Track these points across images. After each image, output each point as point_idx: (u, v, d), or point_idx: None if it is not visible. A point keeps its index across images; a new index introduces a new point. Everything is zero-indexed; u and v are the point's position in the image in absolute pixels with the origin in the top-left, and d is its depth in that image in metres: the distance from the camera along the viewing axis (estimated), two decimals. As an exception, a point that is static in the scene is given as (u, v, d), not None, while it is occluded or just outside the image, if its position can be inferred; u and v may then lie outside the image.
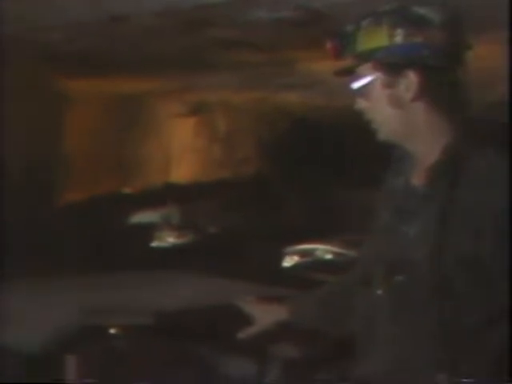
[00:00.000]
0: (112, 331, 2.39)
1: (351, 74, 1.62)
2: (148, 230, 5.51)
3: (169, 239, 5.49)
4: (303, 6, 3.12)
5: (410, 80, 1.55)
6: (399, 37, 1.55)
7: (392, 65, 1.56)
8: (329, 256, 4.89)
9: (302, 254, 4.97)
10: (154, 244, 5.39)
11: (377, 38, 1.56)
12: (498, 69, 4.66)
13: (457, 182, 1.53)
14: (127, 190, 6.76)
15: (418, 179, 1.64)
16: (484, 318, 1.48)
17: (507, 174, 1.50)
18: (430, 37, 1.54)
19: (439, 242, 1.50)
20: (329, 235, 5.31)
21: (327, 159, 7.61)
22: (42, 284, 2.88)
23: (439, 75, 1.56)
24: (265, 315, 1.94)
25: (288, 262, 4.95)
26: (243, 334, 1.98)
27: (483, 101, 5.59)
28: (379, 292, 1.61)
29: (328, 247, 5.00)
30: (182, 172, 7.66)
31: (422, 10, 1.56)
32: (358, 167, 6.81)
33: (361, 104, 1.63)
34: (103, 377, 2.27)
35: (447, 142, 1.58)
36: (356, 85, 1.61)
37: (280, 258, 5.05)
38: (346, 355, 1.80)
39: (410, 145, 1.62)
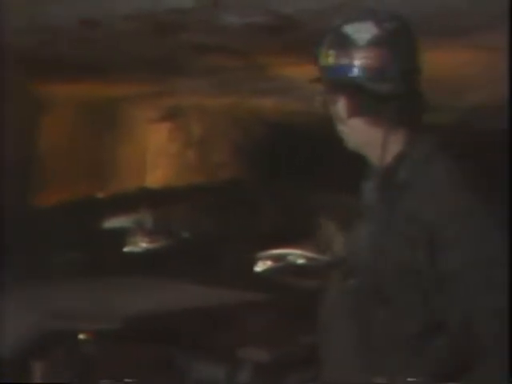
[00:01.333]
0: (81, 336, 2.38)
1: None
2: (121, 235, 5.48)
3: (142, 244, 5.46)
4: (275, 11, 3.14)
5: (342, 101, 1.60)
6: (331, 58, 1.60)
7: (330, 85, 1.61)
8: (301, 261, 4.91)
9: (275, 258, 4.98)
10: (127, 249, 5.36)
11: (321, 58, 1.63)
12: (463, 76, 4.74)
13: (401, 190, 1.56)
14: (101, 195, 6.73)
15: (374, 186, 1.67)
16: (420, 327, 1.50)
17: (446, 189, 1.52)
18: (356, 58, 1.57)
19: (383, 249, 1.53)
20: (302, 240, 5.32)
21: (302, 164, 7.64)
22: (10, 288, 2.86)
23: (372, 94, 1.57)
24: None
25: (260, 266, 4.95)
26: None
27: (452, 107, 5.66)
28: (336, 295, 1.64)
29: (301, 252, 5.01)
30: (157, 177, 7.64)
31: (350, 30, 1.57)
32: (332, 173, 6.85)
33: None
34: (71, 382, 2.26)
35: (398, 152, 1.61)
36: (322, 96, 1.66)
37: (253, 263, 5.06)
38: (315, 359, 1.82)
39: (367, 155, 1.66)
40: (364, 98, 1.58)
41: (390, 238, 1.54)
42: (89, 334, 2.34)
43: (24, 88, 5.44)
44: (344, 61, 1.59)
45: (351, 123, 1.63)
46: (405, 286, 1.51)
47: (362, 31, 1.58)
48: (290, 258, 5.16)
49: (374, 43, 1.57)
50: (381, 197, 1.61)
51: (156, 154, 7.68)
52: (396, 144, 1.62)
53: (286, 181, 7.32)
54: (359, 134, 1.64)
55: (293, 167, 7.63)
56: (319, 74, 1.67)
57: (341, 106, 1.62)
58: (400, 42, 1.59)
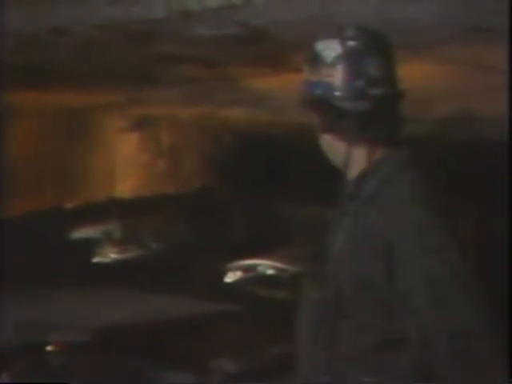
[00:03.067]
0: (49, 348, 2.36)
1: None
2: (90, 245, 5.44)
3: (111, 255, 5.43)
4: (245, 23, 3.16)
5: (314, 116, 1.64)
6: (306, 74, 1.63)
7: (304, 100, 1.64)
8: (270, 271, 4.93)
9: (245, 269, 5.00)
10: (96, 259, 5.32)
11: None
12: (432, 88, 4.81)
13: (368, 203, 1.58)
14: (69, 205, 6.67)
15: (342, 199, 1.69)
16: (381, 341, 1.52)
17: (407, 208, 1.53)
18: (323, 75, 1.60)
19: (346, 260, 1.55)
20: (272, 250, 5.34)
21: (271, 175, 7.66)
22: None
23: (339, 111, 1.59)
24: None
25: (231, 277, 4.96)
26: None
27: (421, 119, 5.73)
28: (309, 301, 1.66)
29: (270, 262, 5.03)
30: (126, 186, 7.60)
31: (320, 47, 1.60)
32: (301, 183, 6.88)
33: None
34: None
35: (362, 167, 1.63)
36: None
37: (223, 274, 5.06)
38: (283, 369, 1.82)
39: (345, 167, 1.68)
40: (330, 114, 1.62)
41: (352, 251, 1.56)
42: (57, 345, 2.31)
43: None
44: (314, 77, 1.62)
45: (324, 138, 1.67)
46: (365, 299, 1.53)
47: (329, 49, 1.61)
48: (260, 268, 5.19)
49: (339, 61, 1.59)
50: (346, 210, 1.63)
51: (126, 163, 7.64)
52: (361, 160, 1.65)
53: (256, 191, 7.34)
54: (330, 148, 1.67)
55: (263, 178, 7.65)
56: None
57: (315, 121, 1.66)
58: (365, 58, 1.60)
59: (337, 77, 1.57)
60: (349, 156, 1.61)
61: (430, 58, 3.84)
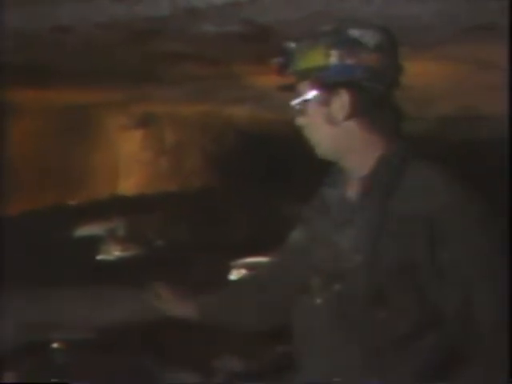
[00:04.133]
0: (53, 346, 2.36)
1: (292, 90, 1.70)
2: (93, 243, 5.44)
3: (114, 252, 5.43)
4: (250, 20, 3.15)
5: (343, 99, 1.64)
6: (334, 58, 1.63)
7: (327, 84, 1.64)
8: (275, 269, 4.91)
9: (249, 267, 4.99)
10: (100, 257, 5.32)
11: (314, 58, 1.64)
12: (433, 87, 4.80)
13: (388, 191, 1.59)
14: (72, 202, 6.67)
15: (351, 191, 1.70)
16: (415, 325, 1.53)
17: (438, 184, 1.57)
18: (363, 59, 1.63)
19: (372, 250, 1.56)
20: (275, 249, 5.33)
21: (274, 173, 7.66)
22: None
23: (371, 95, 1.64)
24: (174, 310, 2.01)
25: (235, 275, 4.96)
26: None
27: (423, 117, 5.73)
28: (318, 301, 1.65)
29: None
30: (129, 184, 7.60)
31: (356, 33, 1.63)
32: (304, 182, 6.86)
33: (299, 121, 1.71)
34: (43, 392, 2.23)
35: (380, 155, 1.64)
36: (295, 102, 1.70)
37: (227, 272, 5.06)
38: (289, 367, 1.82)
39: (344, 161, 1.69)
40: (364, 98, 1.65)
41: (382, 239, 1.56)
42: (62, 343, 2.31)
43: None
44: (349, 61, 1.63)
45: (344, 125, 1.67)
46: (400, 284, 1.53)
47: (368, 36, 1.65)
48: (266, 263, 5.16)
49: (379, 49, 1.64)
50: (365, 201, 1.63)
51: (128, 161, 7.64)
52: (378, 148, 1.67)
53: (260, 190, 7.33)
54: (349, 136, 1.67)
55: (266, 176, 7.65)
56: (294, 78, 1.71)
57: (338, 105, 1.65)
58: (392, 52, 1.68)
59: (377, 63, 1.62)
60: (366, 144, 1.64)
61: (432, 56, 3.83)
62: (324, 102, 1.67)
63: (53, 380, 2.24)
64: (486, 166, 6.08)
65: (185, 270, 5.08)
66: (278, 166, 7.73)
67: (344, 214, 1.68)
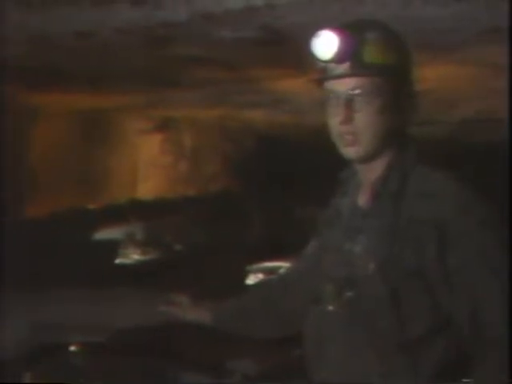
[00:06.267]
0: (71, 348, 2.38)
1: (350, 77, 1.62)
2: (112, 247, 5.47)
3: (133, 256, 5.46)
4: (266, 26, 3.17)
5: (410, 102, 1.62)
6: (397, 58, 1.58)
7: (399, 84, 1.59)
8: (292, 273, 4.91)
9: (266, 271, 4.98)
10: (119, 261, 5.35)
11: (390, 54, 1.59)
12: (452, 90, 4.79)
13: (398, 196, 1.58)
14: (92, 206, 6.72)
15: (362, 197, 1.68)
16: (429, 328, 1.53)
17: (448, 188, 1.56)
18: (407, 60, 1.62)
19: (386, 256, 1.55)
20: (293, 253, 5.33)
21: (292, 176, 7.65)
22: (1, 300, 2.85)
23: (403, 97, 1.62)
24: (189, 317, 1.99)
25: (252, 280, 4.95)
26: None
27: (440, 121, 5.70)
28: (330, 308, 1.64)
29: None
30: (148, 188, 7.64)
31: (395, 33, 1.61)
32: (322, 185, 6.83)
33: (343, 114, 1.60)
34: (61, 394, 2.26)
35: (390, 159, 1.63)
36: (351, 92, 1.59)
37: (244, 276, 5.06)
38: (302, 371, 1.83)
39: (367, 163, 1.66)
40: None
41: (394, 245, 1.55)
42: (79, 345, 2.33)
43: (16, 98, 5.44)
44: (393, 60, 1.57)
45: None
46: (412, 289, 1.53)
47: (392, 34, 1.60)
48: (282, 271, 5.16)
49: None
50: (375, 207, 1.62)
51: (147, 165, 7.68)
52: (388, 152, 1.64)
53: (277, 193, 7.33)
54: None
55: (283, 179, 7.64)
56: (348, 70, 1.54)
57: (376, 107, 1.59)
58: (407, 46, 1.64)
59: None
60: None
61: (453, 59, 3.82)
62: (391, 101, 1.61)
63: (69, 382, 2.26)
64: (500, 168, 6.04)
65: (203, 273, 5.10)
66: (295, 170, 7.73)
67: (356, 221, 1.67)
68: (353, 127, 1.57)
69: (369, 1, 2.85)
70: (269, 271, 5.05)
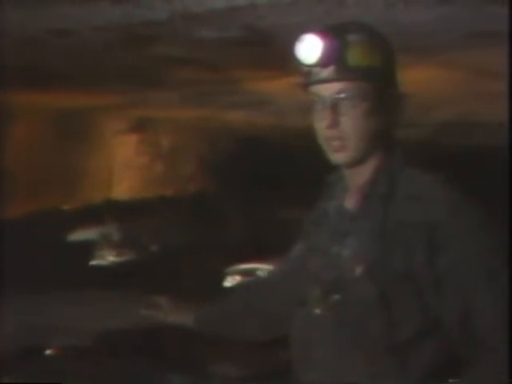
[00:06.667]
0: (49, 351, 2.33)
1: (334, 82, 1.59)
2: (88, 248, 5.40)
3: (109, 257, 5.40)
4: (249, 26, 3.14)
5: (396, 104, 1.60)
6: (381, 61, 1.56)
7: (385, 87, 1.57)
8: (270, 275, 4.89)
9: (244, 273, 4.95)
10: (94, 262, 5.28)
11: (374, 56, 1.56)
12: (433, 93, 4.80)
13: (387, 199, 1.57)
14: (67, 206, 6.64)
15: (350, 201, 1.67)
16: (418, 330, 1.52)
17: (437, 190, 1.55)
18: (393, 62, 1.60)
19: (374, 259, 1.54)
20: (271, 255, 5.31)
21: (272, 178, 7.64)
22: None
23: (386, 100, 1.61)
24: (173, 321, 1.97)
25: (230, 281, 4.92)
26: None
27: (421, 123, 5.73)
28: (317, 312, 1.63)
29: (269, 267, 5.00)
30: (124, 189, 7.57)
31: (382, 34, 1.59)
32: (301, 187, 6.84)
33: (329, 119, 1.58)
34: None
35: (378, 162, 1.62)
36: (336, 97, 1.56)
37: (222, 277, 5.02)
38: (285, 374, 1.81)
39: (354, 167, 1.64)
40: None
41: (382, 248, 1.54)
42: (57, 349, 2.29)
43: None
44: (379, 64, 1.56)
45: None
46: (401, 292, 1.51)
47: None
48: (260, 273, 5.14)
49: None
50: (364, 210, 1.60)
51: (124, 165, 7.62)
52: (376, 155, 1.63)
53: (255, 195, 7.31)
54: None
55: (263, 181, 7.62)
56: (333, 74, 1.53)
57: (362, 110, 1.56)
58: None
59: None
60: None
61: (435, 63, 3.83)
62: (377, 105, 1.59)
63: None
64: (483, 171, 6.08)
65: (180, 275, 5.05)
66: (274, 171, 7.72)
67: (343, 224, 1.66)
68: (339, 132, 1.56)
69: (352, 3, 2.83)
70: (246, 273, 5.03)
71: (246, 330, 1.97)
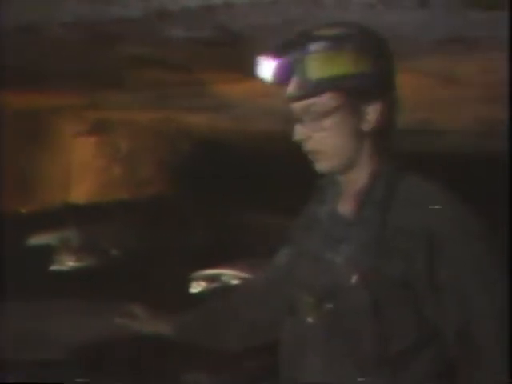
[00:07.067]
0: (14, 366, 2.22)
1: (301, 100, 1.57)
2: (46, 253, 5.26)
3: (69, 262, 5.26)
4: (223, 26, 3.06)
5: (376, 109, 1.55)
6: (368, 63, 1.51)
7: (359, 93, 1.53)
8: (235, 281, 4.83)
9: (209, 279, 4.88)
10: (54, 267, 5.14)
11: (340, 65, 1.51)
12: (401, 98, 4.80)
13: (384, 206, 1.54)
14: (24, 210, 6.46)
15: (344, 206, 1.63)
16: (414, 340, 1.50)
17: (438, 198, 1.53)
18: (383, 65, 1.55)
19: (369, 267, 1.51)
20: (234, 260, 5.26)
21: (232, 182, 7.59)
22: None
23: (390, 102, 1.57)
24: (150, 330, 1.93)
25: (195, 287, 4.85)
26: None
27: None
28: (309, 320, 1.60)
29: (234, 272, 4.94)
30: (82, 192, 7.41)
31: (375, 36, 1.54)
32: (262, 191, 6.81)
33: (303, 134, 1.58)
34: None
35: (373, 169, 1.59)
36: (307, 114, 1.56)
37: (186, 283, 4.95)
38: (259, 382, 1.77)
39: (343, 175, 1.61)
40: (387, 107, 1.58)
41: (379, 255, 1.50)
42: (20, 364, 2.17)
43: None
44: (377, 68, 1.53)
45: (365, 136, 1.59)
46: (398, 300, 1.48)
47: (377, 39, 1.57)
48: (224, 278, 5.08)
49: (383, 52, 1.57)
50: (360, 216, 1.56)
51: (82, 168, 7.45)
52: (372, 161, 1.61)
53: (215, 198, 7.25)
54: (360, 150, 1.59)
55: (222, 185, 7.57)
56: (301, 90, 1.55)
57: (371, 117, 1.55)
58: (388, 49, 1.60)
59: (383, 66, 1.57)
60: (366, 158, 1.57)
61: (405, 68, 3.81)
62: (352, 112, 1.55)
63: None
64: (446, 179, 6.14)
65: (144, 281, 4.95)
66: (235, 175, 7.67)
67: (337, 230, 1.61)
68: (313, 145, 1.54)
69: (330, 4, 2.78)
70: (210, 278, 4.96)
71: (228, 338, 1.91)
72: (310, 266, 1.64)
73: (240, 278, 4.89)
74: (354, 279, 1.52)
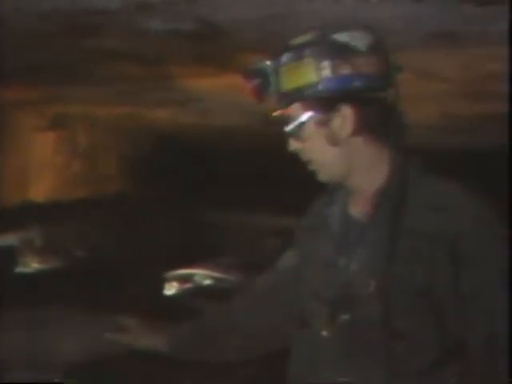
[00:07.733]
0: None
1: (278, 113, 1.54)
2: (9, 255, 5.05)
3: (33, 264, 5.06)
4: (204, 19, 2.94)
5: (345, 115, 1.47)
6: (326, 70, 1.45)
7: (324, 101, 1.47)
8: (208, 281, 4.73)
9: (181, 279, 4.77)
10: (18, 270, 4.94)
11: (302, 74, 1.46)
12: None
13: (400, 208, 1.46)
14: (-18, 209, 6.19)
15: (356, 208, 1.55)
16: (435, 356, 1.42)
17: (451, 199, 1.45)
18: (359, 66, 1.45)
19: (387, 274, 1.42)
20: (204, 259, 5.15)
21: (197, 179, 7.47)
22: None
23: (373, 105, 1.49)
24: (142, 345, 1.83)
25: (169, 289, 4.73)
26: None
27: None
28: (324, 334, 1.50)
29: (206, 272, 4.84)
30: (42, 190, 7.17)
31: (345, 37, 1.46)
32: (230, 188, 6.70)
33: (294, 146, 1.54)
34: None
35: (388, 171, 1.51)
36: (288, 127, 1.53)
37: (155, 283, 4.82)
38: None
39: (349, 180, 1.54)
40: (366, 110, 1.47)
41: (396, 260, 1.41)
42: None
43: None
44: (345, 70, 1.44)
45: (349, 143, 1.49)
46: (418, 310, 1.39)
47: (359, 38, 1.46)
48: (197, 278, 4.96)
49: (373, 50, 1.46)
50: (375, 220, 1.47)
51: (40, 165, 7.21)
52: (385, 162, 1.52)
53: (181, 196, 7.12)
54: (356, 154, 1.50)
55: (188, 182, 7.44)
56: (279, 101, 1.50)
57: (339, 123, 1.47)
58: (384, 51, 1.49)
59: (374, 67, 1.44)
60: (374, 160, 1.49)
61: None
62: (323, 122, 1.48)
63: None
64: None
65: (109, 281, 4.80)
66: (202, 172, 7.55)
67: (351, 234, 1.51)
68: (307, 156, 1.50)
69: (319, -2, 2.69)
70: (183, 279, 4.85)
71: (227, 351, 1.80)
72: (320, 273, 1.54)
73: (213, 278, 4.79)
74: (371, 287, 1.43)
